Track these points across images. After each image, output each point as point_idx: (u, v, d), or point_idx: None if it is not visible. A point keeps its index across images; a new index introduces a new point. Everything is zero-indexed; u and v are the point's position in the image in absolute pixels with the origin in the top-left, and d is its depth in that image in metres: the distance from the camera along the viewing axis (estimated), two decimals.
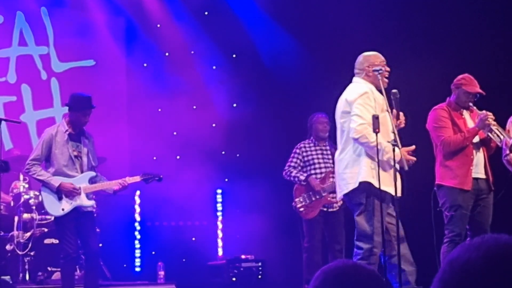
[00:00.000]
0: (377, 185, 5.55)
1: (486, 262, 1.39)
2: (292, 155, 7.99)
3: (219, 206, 10.01)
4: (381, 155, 5.57)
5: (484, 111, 6.23)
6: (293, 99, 9.51)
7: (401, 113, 5.87)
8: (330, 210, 7.77)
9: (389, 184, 5.62)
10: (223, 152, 10.08)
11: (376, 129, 6.11)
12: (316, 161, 7.84)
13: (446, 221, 6.35)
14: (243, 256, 8.79)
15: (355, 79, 5.98)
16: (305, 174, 7.79)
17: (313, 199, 7.69)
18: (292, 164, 7.92)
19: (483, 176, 6.43)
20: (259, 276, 8.67)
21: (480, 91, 6.36)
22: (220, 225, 9.93)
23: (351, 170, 5.73)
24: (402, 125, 5.88)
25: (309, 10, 9.43)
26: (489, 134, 6.30)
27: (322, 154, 7.90)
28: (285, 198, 8.21)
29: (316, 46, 9.55)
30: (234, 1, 10.02)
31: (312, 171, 7.84)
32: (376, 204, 5.61)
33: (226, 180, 10.03)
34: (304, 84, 9.50)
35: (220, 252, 9.80)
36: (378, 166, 5.54)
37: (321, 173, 7.82)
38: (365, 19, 8.96)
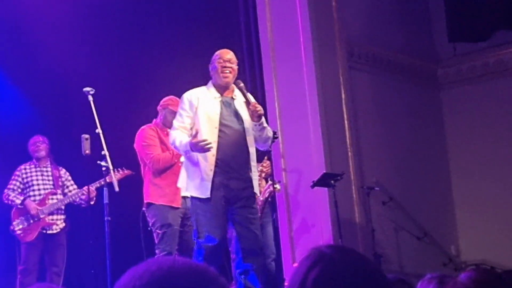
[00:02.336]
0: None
1: None
2: (13, 177, 7.74)
3: None
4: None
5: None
6: None
7: (252, 101, 5.57)
8: (50, 232, 7.56)
9: None
10: None
11: (85, 151, 6.06)
12: (35, 182, 7.64)
13: (157, 240, 6.24)
14: None
15: None
16: (22, 197, 7.56)
17: (31, 221, 7.49)
18: (11, 187, 7.66)
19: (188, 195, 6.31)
20: None
21: None
22: None
23: None
24: (260, 112, 5.56)
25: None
26: None
27: (42, 175, 7.70)
28: (5, 222, 7.78)
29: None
30: None
31: (31, 193, 7.63)
32: None
33: None
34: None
35: None
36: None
37: (39, 194, 7.61)
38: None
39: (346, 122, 7.74)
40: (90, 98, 6.10)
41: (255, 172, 5.55)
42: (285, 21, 7.75)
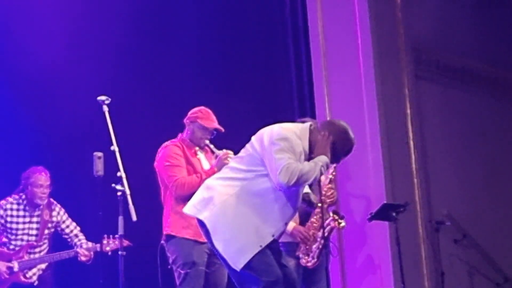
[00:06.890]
0: None
1: None
2: None
3: None
4: None
5: (224, 150, 5.73)
6: None
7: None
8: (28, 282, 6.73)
9: None
10: None
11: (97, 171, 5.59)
12: (20, 226, 6.73)
13: (179, 281, 5.69)
14: None
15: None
16: None
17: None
18: None
19: None
20: None
21: (218, 126, 5.86)
22: None
23: None
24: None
25: None
26: None
27: (30, 222, 6.75)
28: None
29: None
30: None
31: (13, 241, 6.69)
32: None
33: None
34: None
35: None
36: None
37: (21, 244, 6.69)
38: None
39: (411, 142, 7.48)
40: (105, 108, 5.54)
41: None
42: (339, 21, 7.52)
